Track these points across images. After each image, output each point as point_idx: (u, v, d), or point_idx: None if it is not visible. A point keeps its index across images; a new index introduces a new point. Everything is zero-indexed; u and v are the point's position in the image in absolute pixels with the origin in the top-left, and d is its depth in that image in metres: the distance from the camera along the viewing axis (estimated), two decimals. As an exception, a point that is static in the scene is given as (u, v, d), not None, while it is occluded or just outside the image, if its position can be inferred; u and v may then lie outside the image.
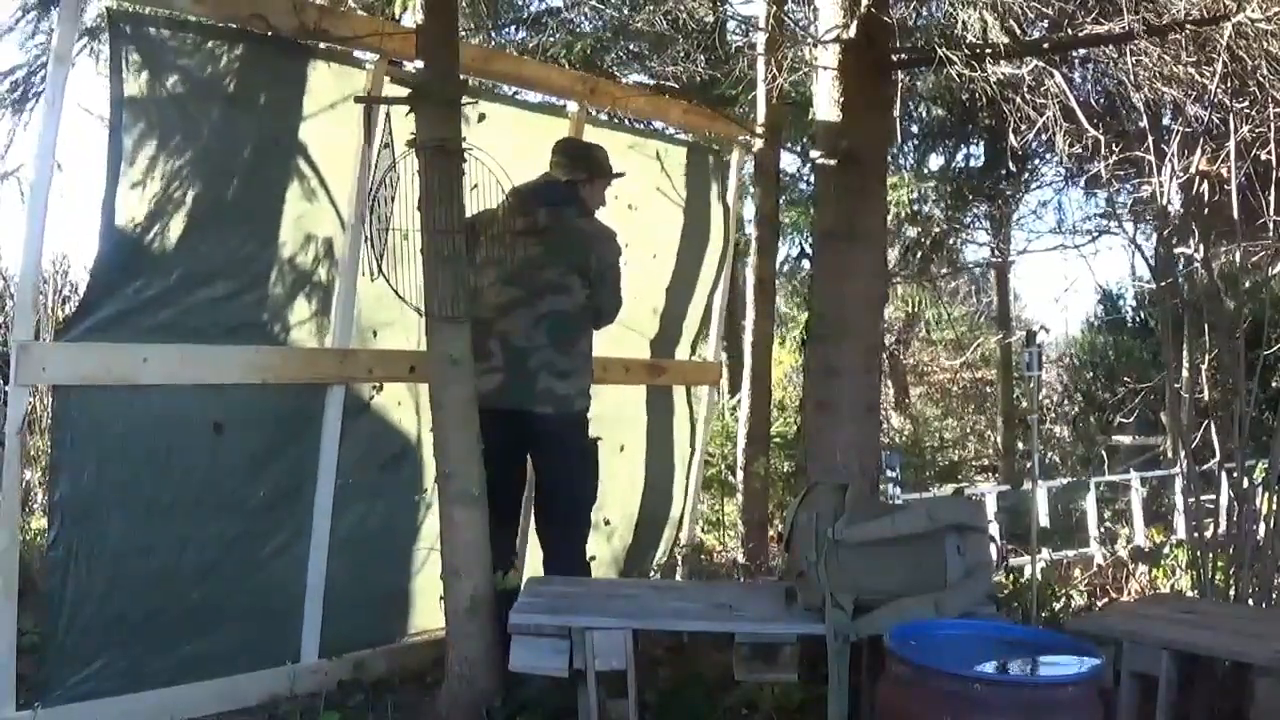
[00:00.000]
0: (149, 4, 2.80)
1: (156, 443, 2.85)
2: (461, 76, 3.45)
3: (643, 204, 4.10)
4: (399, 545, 3.50)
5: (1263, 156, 3.86)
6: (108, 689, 2.77)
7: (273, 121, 3.06)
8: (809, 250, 7.19)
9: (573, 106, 3.86)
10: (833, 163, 3.53)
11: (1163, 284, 3.96)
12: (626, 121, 4.32)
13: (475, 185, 3.34)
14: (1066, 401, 11.09)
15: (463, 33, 4.08)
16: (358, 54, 3.19)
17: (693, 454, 4.49)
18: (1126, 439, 8.30)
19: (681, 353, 4.47)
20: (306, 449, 3.15)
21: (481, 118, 3.53)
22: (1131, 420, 7.59)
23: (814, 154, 3.67)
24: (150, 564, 2.84)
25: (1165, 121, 5.15)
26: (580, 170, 3.39)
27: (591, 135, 3.84)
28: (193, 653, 2.92)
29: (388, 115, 3.15)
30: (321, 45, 3.07)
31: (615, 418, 3.94)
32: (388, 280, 3.05)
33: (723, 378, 5.24)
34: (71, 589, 2.70)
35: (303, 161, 3.11)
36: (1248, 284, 4.00)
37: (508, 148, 3.37)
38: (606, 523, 4.12)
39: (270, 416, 3.09)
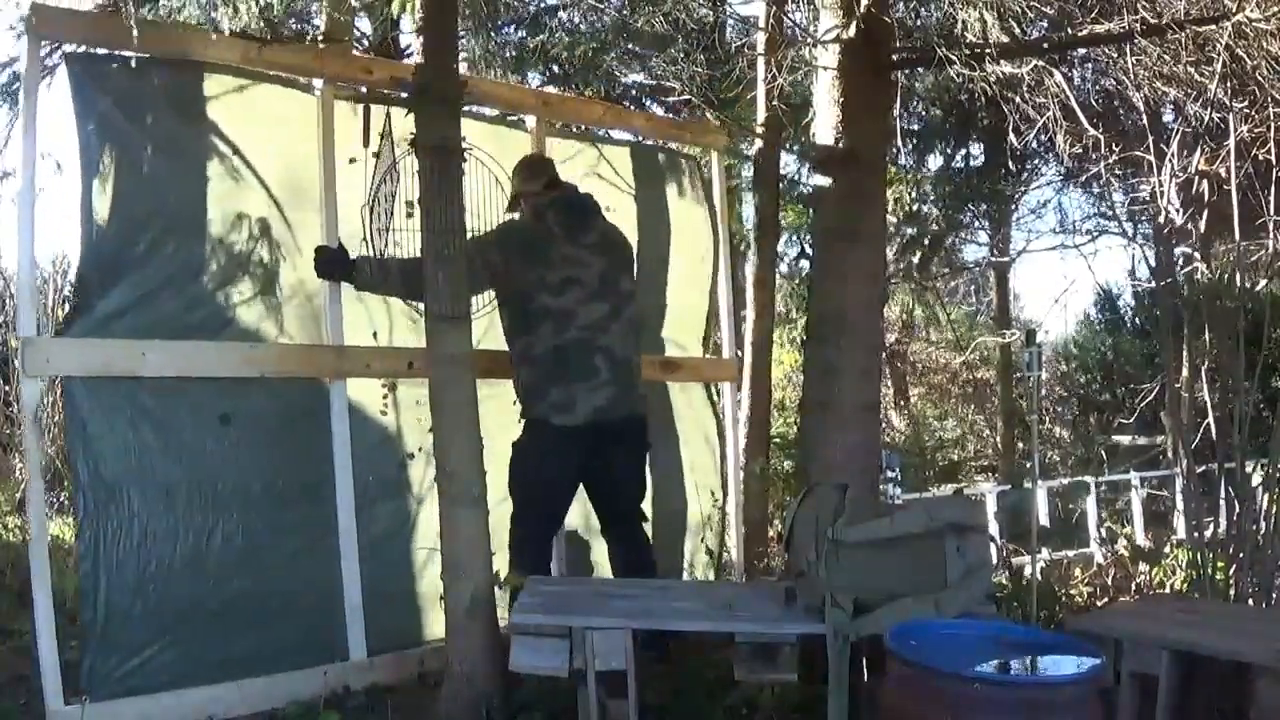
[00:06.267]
0: (105, 46, 2.94)
1: (165, 432, 2.99)
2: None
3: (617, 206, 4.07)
4: (412, 551, 3.50)
5: (1262, 156, 3.87)
6: (155, 684, 2.86)
7: (251, 138, 3.19)
8: (809, 250, 7.18)
9: (531, 120, 3.89)
10: (832, 163, 3.54)
11: (1163, 283, 3.96)
12: (595, 133, 4.30)
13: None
14: (1063, 405, 11.08)
15: (462, 33, 4.07)
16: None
17: (723, 455, 4.44)
18: (1126, 439, 8.29)
19: (682, 350, 4.40)
20: (317, 447, 3.22)
21: None
22: (1131, 420, 7.58)
23: (814, 154, 3.67)
24: (173, 548, 2.95)
25: (1165, 121, 5.16)
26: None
27: (550, 146, 3.90)
28: (229, 651, 3.00)
29: (388, 116, 3.15)
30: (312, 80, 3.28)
31: None
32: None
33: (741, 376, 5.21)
34: (103, 572, 2.85)
35: (283, 175, 3.25)
36: (1247, 284, 4.00)
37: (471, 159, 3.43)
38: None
39: (275, 411, 3.18)
